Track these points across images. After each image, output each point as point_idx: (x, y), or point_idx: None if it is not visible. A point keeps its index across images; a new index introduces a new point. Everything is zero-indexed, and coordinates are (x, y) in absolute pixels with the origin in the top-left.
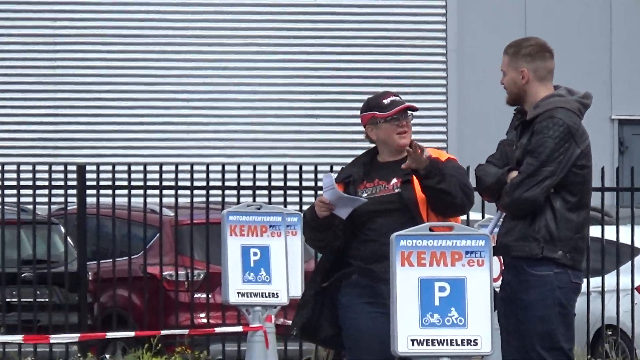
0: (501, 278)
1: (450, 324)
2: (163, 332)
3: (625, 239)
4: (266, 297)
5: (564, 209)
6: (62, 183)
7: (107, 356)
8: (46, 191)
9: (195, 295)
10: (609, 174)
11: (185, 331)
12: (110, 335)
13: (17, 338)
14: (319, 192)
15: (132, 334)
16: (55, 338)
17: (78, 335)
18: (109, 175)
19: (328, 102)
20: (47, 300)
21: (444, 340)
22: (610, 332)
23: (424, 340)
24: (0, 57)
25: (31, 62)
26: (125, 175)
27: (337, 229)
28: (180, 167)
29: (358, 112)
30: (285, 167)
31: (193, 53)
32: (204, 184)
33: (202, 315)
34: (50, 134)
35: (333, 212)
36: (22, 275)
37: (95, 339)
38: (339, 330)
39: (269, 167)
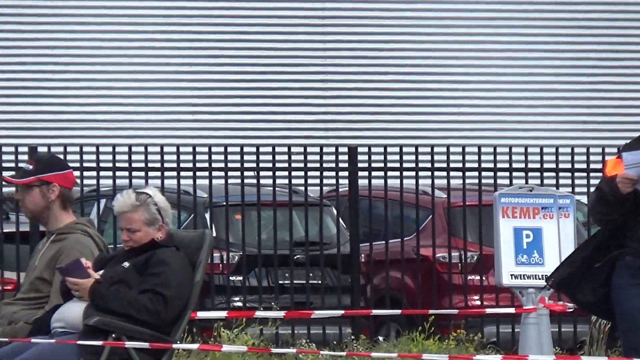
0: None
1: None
2: (431, 311)
3: None
4: (539, 279)
5: None
6: (333, 165)
7: (381, 338)
8: (318, 173)
9: (468, 277)
10: None
11: (455, 311)
12: (375, 312)
13: (280, 314)
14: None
15: (398, 311)
16: (318, 314)
17: (341, 312)
18: (381, 157)
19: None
20: (319, 282)
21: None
22: None
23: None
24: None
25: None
26: (397, 157)
27: (627, 205)
28: (435, 150)
29: None
30: (537, 148)
31: None
32: (471, 166)
33: (476, 297)
34: (322, 116)
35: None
36: (295, 257)
37: (367, 322)
38: (599, 300)
39: (525, 149)
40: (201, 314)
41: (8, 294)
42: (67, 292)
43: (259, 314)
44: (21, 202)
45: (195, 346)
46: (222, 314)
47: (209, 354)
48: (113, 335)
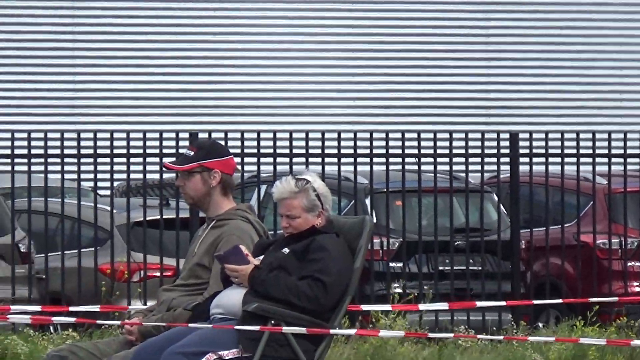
0: None
1: None
2: (591, 300)
3: None
4: None
5: None
6: (494, 151)
7: (540, 325)
8: (479, 159)
9: (629, 264)
10: None
11: (615, 299)
12: (536, 302)
13: (444, 306)
14: None
15: (559, 301)
16: (480, 305)
17: (503, 303)
18: (542, 144)
19: None
20: (479, 268)
21: None
22: None
23: None
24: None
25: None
26: (558, 144)
27: None
28: (597, 136)
29: None
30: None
31: None
32: (634, 152)
33: (636, 283)
34: (484, 102)
35: None
36: (455, 243)
37: (527, 309)
38: None
39: None
40: (366, 307)
41: (167, 280)
42: (227, 279)
43: (423, 306)
44: (182, 188)
45: (352, 331)
46: (387, 307)
47: (367, 340)
48: (272, 321)
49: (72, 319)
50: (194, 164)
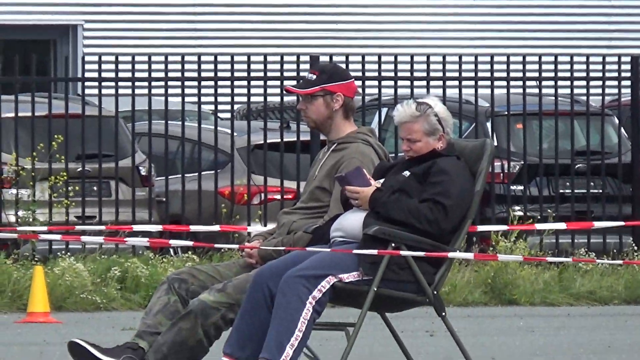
0: None
1: None
2: None
3: None
4: None
5: None
6: (615, 75)
7: None
8: (600, 82)
9: None
10: None
11: None
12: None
13: (561, 225)
14: None
15: None
16: (599, 225)
17: (622, 223)
18: None
19: None
20: (600, 191)
21: None
22: None
23: None
24: None
25: None
26: None
27: None
28: None
29: None
30: None
31: None
32: None
33: None
34: (606, 25)
35: None
36: (576, 166)
37: None
38: None
39: None
40: (483, 228)
41: (288, 203)
42: (347, 202)
43: (540, 226)
44: (304, 112)
45: (471, 255)
46: (503, 227)
47: (488, 263)
48: (392, 244)
49: (190, 243)
50: (317, 88)
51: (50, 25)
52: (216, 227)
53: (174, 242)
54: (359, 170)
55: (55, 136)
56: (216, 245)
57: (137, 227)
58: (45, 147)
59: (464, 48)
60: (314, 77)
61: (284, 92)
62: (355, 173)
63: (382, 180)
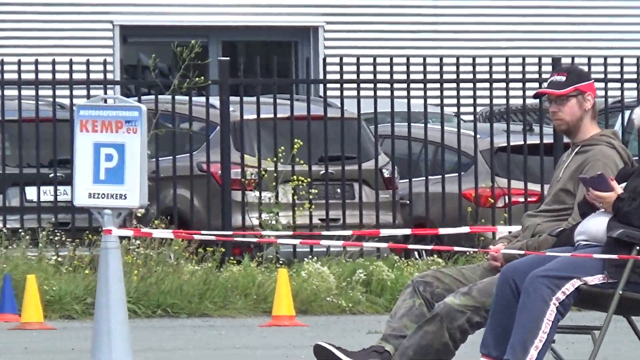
0: None
1: None
2: None
3: None
4: None
5: None
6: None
7: None
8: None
9: None
10: None
11: None
12: None
13: None
14: None
15: None
16: None
17: None
18: None
19: None
20: None
21: None
22: None
23: None
24: None
25: None
26: None
27: None
28: None
29: None
30: None
31: None
32: None
33: None
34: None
35: None
36: None
37: None
38: None
39: None
40: None
41: (532, 205)
42: (590, 205)
43: None
44: (556, 114)
45: None
46: None
47: None
48: (637, 247)
49: (428, 247)
50: (571, 88)
51: (292, 27)
52: (465, 229)
53: (412, 246)
54: (602, 176)
55: (296, 140)
56: (456, 249)
57: (384, 232)
58: (287, 150)
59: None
60: (564, 78)
61: (536, 95)
62: (598, 179)
63: (624, 184)
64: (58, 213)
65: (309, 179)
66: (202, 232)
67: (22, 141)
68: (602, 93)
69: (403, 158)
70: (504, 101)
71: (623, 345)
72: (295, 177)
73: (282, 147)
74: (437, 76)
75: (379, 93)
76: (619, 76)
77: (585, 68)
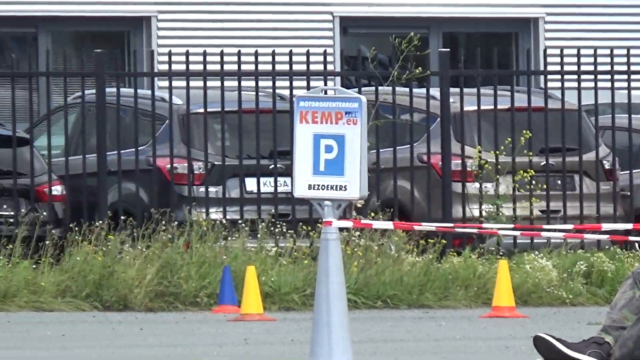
0: None
1: None
2: None
3: None
4: None
5: None
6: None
7: None
8: None
9: None
10: None
11: None
12: None
13: None
14: None
15: None
16: None
17: None
18: None
19: None
20: None
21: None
22: None
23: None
24: None
25: None
26: None
27: None
28: None
29: None
30: None
31: None
32: None
33: None
34: None
35: None
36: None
37: None
38: None
39: None
40: None
41: None
42: None
43: None
44: None
45: None
46: None
47: None
48: None
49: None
50: None
51: (512, 19)
52: None
53: (633, 238)
54: None
55: (524, 131)
56: None
57: (606, 227)
58: (514, 141)
59: None
60: None
61: None
62: None
63: None
64: (278, 204)
65: (532, 172)
66: (423, 223)
67: (242, 132)
68: None
69: (624, 149)
70: None
71: None
72: (519, 171)
73: (509, 139)
74: None
75: (599, 84)
76: None
77: None
